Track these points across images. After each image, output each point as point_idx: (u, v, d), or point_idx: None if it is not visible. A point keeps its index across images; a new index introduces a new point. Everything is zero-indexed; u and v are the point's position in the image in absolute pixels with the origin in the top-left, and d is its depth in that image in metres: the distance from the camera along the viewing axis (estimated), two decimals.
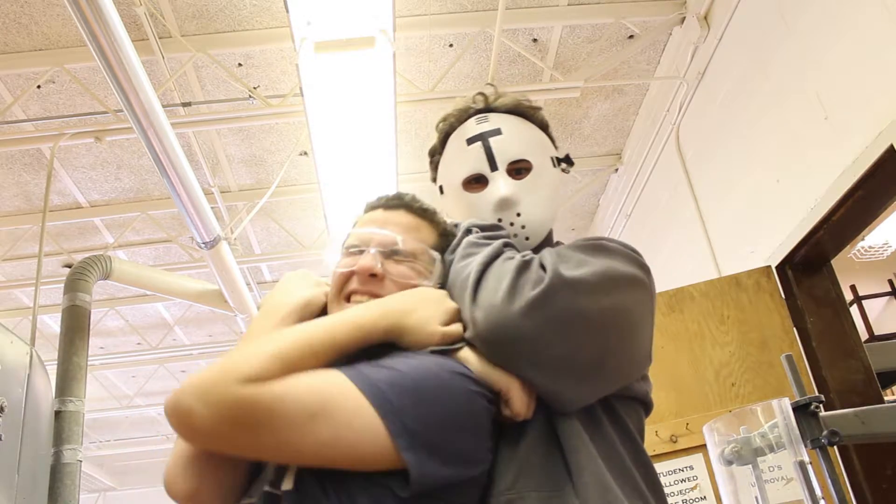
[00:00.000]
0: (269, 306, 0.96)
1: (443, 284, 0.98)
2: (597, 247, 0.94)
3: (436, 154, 1.19)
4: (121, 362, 6.46)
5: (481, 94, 1.16)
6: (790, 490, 1.26)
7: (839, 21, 2.33)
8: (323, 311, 0.97)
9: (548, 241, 1.11)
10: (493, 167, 1.08)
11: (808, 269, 2.69)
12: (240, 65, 3.50)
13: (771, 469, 1.32)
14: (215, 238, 3.60)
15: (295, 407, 0.74)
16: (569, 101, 3.90)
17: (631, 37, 3.53)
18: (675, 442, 2.41)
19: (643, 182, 4.22)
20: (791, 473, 1.25)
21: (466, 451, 0.82)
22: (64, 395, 3.07)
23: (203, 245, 3.62)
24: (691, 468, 2.39)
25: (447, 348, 0.87)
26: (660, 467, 2.40)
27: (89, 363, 3.37)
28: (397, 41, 2.65)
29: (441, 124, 1.18)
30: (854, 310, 4.51)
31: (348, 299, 0.94)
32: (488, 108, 1.14)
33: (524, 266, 0.88)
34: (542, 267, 0.88)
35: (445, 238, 1.02)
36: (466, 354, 0.87)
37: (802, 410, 1.26)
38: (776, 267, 2.70)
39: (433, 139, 1.20)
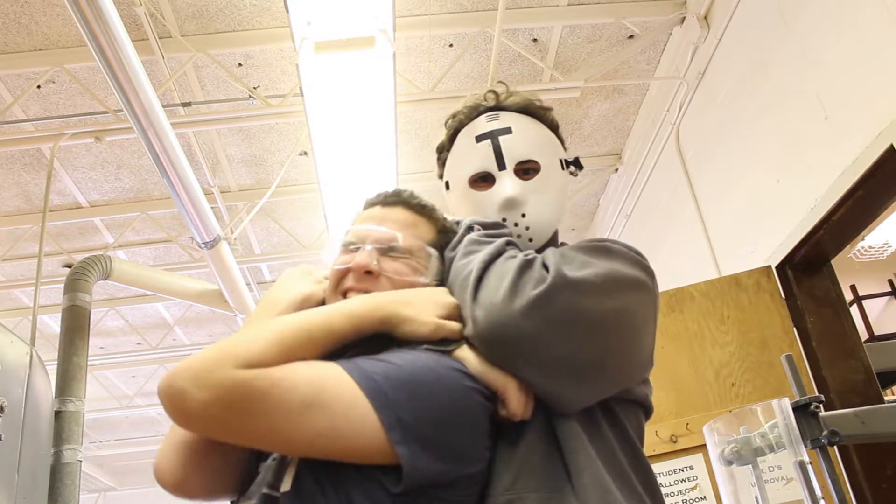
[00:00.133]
0: (267, 301, 0.96)
1: (442, 282, 0.97)
2: (601, 248, 0.93)
3: (444, 150, 1.17)
4: (121, 362, 6.46)
5: (492, 91, 1.15)
6: (790, 490, 1.26)
7: (839, 21, 2.32)
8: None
9: (552, 243, 1.09)
10: (501, 166, 1.07)
11: (808, 269, 2.69)
12: (240, 65, 3.50)
13: (771, 469, 1.31)
14: (215, 238, 3.60)
15: (291, 394, 0.74)
16: (569, 101, 3.90)
17: (631, 37, 3.53)
18: (675, 442, 2.41)
19: (643, 182, 4.22)
20: (791, 473, 1.25)
21: (462, 447, 0.81)
22: (64, 395, 3.07)
23: (203, 245, 3.62)
24: (691, 468, 2.39)
25: (446, 349, 0.86)
26: (660, 467, 2.40)
27: (89, 363, 3.37)
28: (397, 41, 2.64)
29: (450, 120, 1.17)
30: (854, 310, 4.50)
31: (345, 296, 0.94)
32: (499, 107, 1.13)
33: (526, 265, 0.87)
34: (545, 267, 0.87)
35: (444, 235, 1.01)
36: (464, 353, 0.87)
37: (802, 410, 1.26)
38: (776, 267, 2.69)
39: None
